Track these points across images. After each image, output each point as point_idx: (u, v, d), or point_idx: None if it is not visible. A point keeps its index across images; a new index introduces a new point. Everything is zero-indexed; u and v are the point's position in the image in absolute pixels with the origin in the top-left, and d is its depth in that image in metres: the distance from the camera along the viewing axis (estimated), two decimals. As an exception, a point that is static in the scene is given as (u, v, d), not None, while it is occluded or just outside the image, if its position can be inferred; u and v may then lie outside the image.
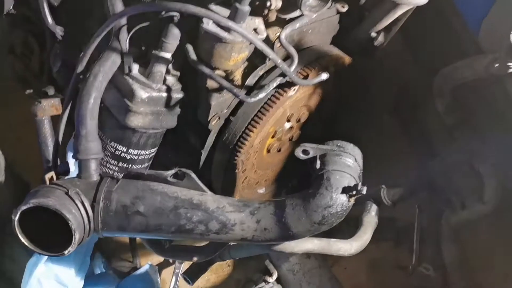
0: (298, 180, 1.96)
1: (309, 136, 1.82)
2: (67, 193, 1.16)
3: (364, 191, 1.16)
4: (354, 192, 1.17)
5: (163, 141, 1.51)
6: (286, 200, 1.22)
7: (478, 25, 1.37)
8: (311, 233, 1.21)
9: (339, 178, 1.19)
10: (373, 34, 1.54)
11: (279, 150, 1.73)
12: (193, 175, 1.23)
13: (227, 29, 1.22)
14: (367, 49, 1.65)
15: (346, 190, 1.18)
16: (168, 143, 1.59)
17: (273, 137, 1.64)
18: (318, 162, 1.23)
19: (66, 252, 1.15)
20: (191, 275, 1.66)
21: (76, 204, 1.16)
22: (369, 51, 1.66)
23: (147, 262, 1.82)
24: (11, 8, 1.42)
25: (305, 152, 1.26)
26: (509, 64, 1.19)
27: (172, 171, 1.23)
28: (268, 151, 1.68)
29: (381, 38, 1.53)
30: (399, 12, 1.41)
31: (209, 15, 1.12)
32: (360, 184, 1.18)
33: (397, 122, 2.16)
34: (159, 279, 1.75)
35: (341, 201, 1.18)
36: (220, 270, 1.95)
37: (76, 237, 1.14)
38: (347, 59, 1.61)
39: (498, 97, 1.38)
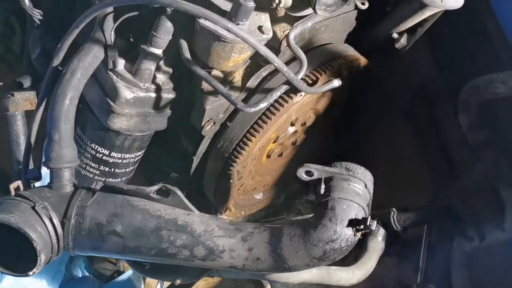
0: (299, 184, 1.82)
1: (315, 138, 1.68)
2: (33, 208, 1.02)
3: (374, 226, 1.01)
4: (362, 226, 1.01)
5: (153, 140, 1.36)
6: (284, 228, 1.07)
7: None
8: (309, 267, 1.07)
9: (346, 208, 1.04)
10: (395, 35, 1.35)
11: (280, 155, 1.58)
12: (179, 193, 1.09)
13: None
14: (386, 49, 1.47)
15: (352, 223, 1.02)
16: (158, 143, 1.43)
17: (274, 142, 1.48)
18: (323, 187, 1.08)
19: (30, 273, 1.02)
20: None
21: (43, 221, 1.02)
22: (388, 52, 1.48)
23: (132, 265, 1.69)
24: (-15, -17, 1.26)
25: (308, 173, 1.10)
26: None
27: (156, 187, 1.08)
28: (268, 156, 1.53)
29: (403, 40, 1.35)
30: (427, 13, 1.23)
31: (204, 14, 0.95)
32: (369, 217, 1.03)
33: (412, 125, 1.98)
34: (142, 286, 1.63)
35: (346, 236, 1.03)
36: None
37: (42, 258, 1.01)
38: (362, 61, 1.44)
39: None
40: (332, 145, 1.83)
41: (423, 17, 1.24)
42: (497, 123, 1.32)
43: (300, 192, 1.90)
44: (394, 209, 1.38)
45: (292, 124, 1.47)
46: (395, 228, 1.36)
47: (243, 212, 1.68)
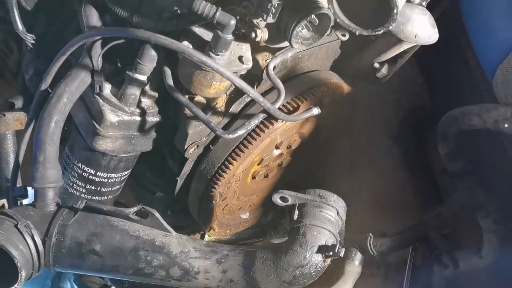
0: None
1: (301, 160, 1.71)
2: (16, 226, 1.06)
3: (342, 253, 1.04)
4: (331, 253, 1.05)
5: (140, 159, 1.40)
6: (257, 251, 1.11)
7: (493, 70, 1.22)
8: (281, 291, 1.09)
9: (316, 235, 1.07)
10: (376, 65, 1.39)
11: (266, 176, 1.61)
12: (157, 215, 1.12)
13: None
14: (369, 77, 1.51)
15: (322, 250, 1.06)
16: (145, 163, 1.48)
17: (259, 164, 1.51)
18: (296, 213, 1.11)
19: (11, 288, 1.06)
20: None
21: (25, 239, 1.06)
22: (372, 80, 1.52)
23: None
24: (-17, 8, 1.31)
25: (283, 199, 1.14)
26: (520, 127, 1.05)
27: (135, 208, 1.12)
28: (253, 177, 1.56)
29: (384, 70, 1.39)
30: (404, 46, 1.26)
31: (181, 48, 1.00)
32: (338, 244, 1.06)
33: (400, 149, 2.01)
34: (129, 300, 1.66)
35: (315, 262, 1.06)
36: None
37: (22, 275, 1.05)
38: (345, 88, 1.47)
39: (509, 150, 1.24)
40: (319, 167, 1.87)
41: (402, 49, 1.28)
42: (473, 154, 1.35)
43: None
44: (371, 234, 1.40)
45: (277, 147, 1.50)
46: (372, 253, 1.38)
47: (228, 231, 1.71)
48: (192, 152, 1.33)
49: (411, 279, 1.66)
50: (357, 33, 0.93)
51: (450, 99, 1.69)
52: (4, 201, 1.10)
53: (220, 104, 1.30)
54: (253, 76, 1.28)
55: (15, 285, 1.06)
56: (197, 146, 1.33)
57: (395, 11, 0.85)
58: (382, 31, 0.90)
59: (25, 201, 1.21)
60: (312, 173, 1.84)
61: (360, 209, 1.67)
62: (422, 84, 2.10)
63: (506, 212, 1.35)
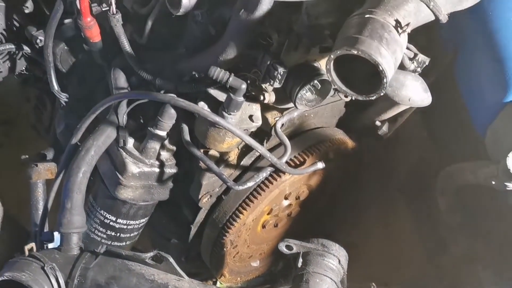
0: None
1: (310, 212, 1.79)
2: (43, 268, 1.16)
3: (342, 300, 1.11)
4: (332, 300, 1.11)
5: (157, 207, 1.50)
6: (263, 297, 1.18)
7: (484, 129, 1.32)
8: (285, 336, 1.16)
9: (319, 282, 1.15)
10: (378, 123, 1.50)
11: (276, 226, 1.69)
12: (171, 260, 1.21)
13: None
14: (373, 134, 1.61)
15: (324, 297, 1.13)
16: (162, 211, 1.58)
17: (268, 214, 1.60)
18: (300, 261, 1.19)
19: (35, 328, 1.14)
20: None
21: (50, 280, 1.15)
22: (375, 136, 1.62)
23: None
24: (23, 68, 1.47)
25: (288, 247, 1.22)
26: (506, 184, 1.13)
27: (151, 254, 1.21)
28: (264, 226, 1.64)
29: (385, 128, 1.49)
30: (402, 107, 1.37)
31: (198, 110, 1.12)
32: (339, 291, 1.13)
33: (405, 203, 2.08)
34: None
35: (317, 308, 1.13)
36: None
37: (46, 314, 1.13)
38: (350, 143, 1.58)
39: (503, 205, 1.31)
40: (328, 218, 1.94)
41: (400, 110, 1.39)
42: (470, 207, 1.42)
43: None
44: (374, 284, 1.45)
45: (286, 198, 1.60)
46: (375, 303, 1.43)
47: (239, 278, 1.77)
48: (205, 202, 1.43)
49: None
50: (353, 98, 1.04)
51: (454, 153, 1.76)
52: (33, 244, 1.20)
53: (232, 157, 1.41)
54: (263, 132, 1.40)
55: (39, 324, 1.14)
56: (210, 196, 1.43)
57: (384, 80, 0.96)
58: (374, 97, 1.01)
59: (51, 245, 1.31)
60: (321, 223, 1.91)
61: (365, 258, 1.72)
62: (427, 138, 2.19)
63: (506, 264, 1.39)
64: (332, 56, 0.98)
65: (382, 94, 1.00)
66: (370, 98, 1.02)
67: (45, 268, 1.15)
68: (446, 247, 1.49)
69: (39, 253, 1.20)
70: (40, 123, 1.77)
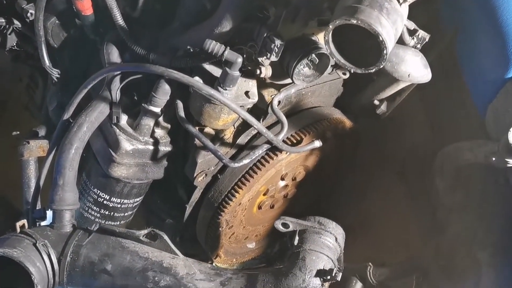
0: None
1: (306, 193, 1.78)
2: (34, 244, 1.14)
3: (339, 277, 1.09)
4: (328, 277, 1.10)
5: (152, 187, 1.48)
6: (259, 275, 1.16)
7: (484, 108, 1.30)
8: (280, 313, 1.14)
9: (315, 259, 1.13)
10: (376, 102, 1.48)
11: (272, 207, 1.68)
12: (166, 237, 1.19)
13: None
14: (371, 113, 1.59)
15: (320, 274, 1.11)
16: (156, 191, 1.56)
17: (265, 194, 1.58)
18: (297, 238, 1.18)
19: (27, 304, 1.12)
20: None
21: (42, 257, 1.13)
22: (374, 116, 1.60)
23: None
24: (13, 44, 1.44)
25: (284, 225, 1.20)
26: (507, 160, 1.11)
27: (145, 231, 1.19)
28: (260, 207, 1.63)
29: (383, 107, 1.47)
30: (402, 85, 1.35)
31: (192, 83, 1.10)
32: (336, 268, 1.11)
33: (404, 186, 2.07)
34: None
35: (314, 285, 1.11)
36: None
37: (38, 291, 1.11)
38: (347, 123, 1.56)
39: (503, 186, 1.29)
40: (324, 200, 1.93)
41: (399, 87, 1.37)
42: (469, 188, 1.41)
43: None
44: (370, 263, 1.45)
45: (283, 179, 1.58)
46: (371, 282, 1.42)
47: (234, 260, 1.76)
48: (200, 181, 1.40)
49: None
50: (352, 71, 1.02)
51: (452, 135, 1.75)
52: (24, 221, 1.18)
53: (228, 135, 1.38)
54: (259, 110, 1.37)
55: (31, 301, 1.12)
56: (206, 175, 1.40)
57: (384, 51, 0.94)
58: (374, 69, 0.98)
59: (43, 223, 1.29)
60: (317, 205, 1.90)
61: (362, 240, 1.71)
62: (424, 122, 2.17)
63: (504, 245, 1.38)
64: (330, 26, 0.96)
65: (381, 66, 0.97)
66: (370, 71, 1.00)
67: (37, 244, 1.13)
68: (443, 229, 1.47)
69: (31, 230, 1.18)
70: (33, 102, 1.74)
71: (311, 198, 1.85)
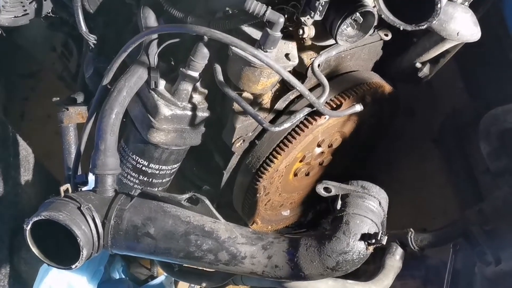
0: (327, 203, 1.89)
1: (341, 161, 1.75)
2: (79, 208, 1.15)
3: (385, 241, 1.08)
4: (373, 241, 1.08)
5: (188, 154, 1.48)
6: (302, 239, 1.15)
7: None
8: (324, 277, 1.14)
9: (359, 223, 1.11)
10: (418, 65, 1.43)
11: (307, 174, 1.66)
12: (207, 202, 1.19)
13: (257, 53, 1.16)
14: (411, 78, 1.55)
15: (365, 238, 1.09)
16: (193, 158, 1.56)
17: (301, 161, 1.57)
18: (339, 203, 1.16)
19: (73, 266, 1.14)
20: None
21: (87, 220, 1.14)
22: (414, 80, 1.56)
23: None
24: (49, 11, 1.43)
25: (326, 189, 1.18)
26: None
27: (187, 195, 1.19)
28: (295, 175, 1.62)
29: (426, 70, 1.42)
30: (447, 45, 1.30)
31: (234, 42, 1.07)
32: (381, 232, 1.10)
33: (441, 151, 2.02)
34: (173, 291, 1.74)
35: (358, 249, 1.10)
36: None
37: (84, 253, 1.13)
38: (387, 88, 1.51)
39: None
40: (359, 168, 1.90)
41: (444, 48, 1.32)
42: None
43: (328, 211, 1.98)
44: (411, 229, 1.42)
45: (319, 145, 1.55)
46: (412, 248, 1.40)
47: (270, 227, 1.76)
48: (238, 146, 1.39)
49: (451, 281, 1.67)
50: (401, 28, 0.98)
51: (493, 100, 1.69)
52: (68, 185, 1.19)
53: (266, 100, 1.36)
54: (298, 74, 1.34)
55: (76, 263, 1.14)
56: (243, 140, 1.39)
57: (438, 5, 0.89)
58: (425, 25, 0.94)
59: (84, 188, 1.30)
60: (352, 173, 1.88)
61: (398, 208, 1.69)
62: (463, 89, 2.11)
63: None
64: (380, -20, 0.91)
65: (434, 22, 0.93)
66: (420, 28, 0.96)
67: (81, 208, 1.14)
68: (486, 194, 1.44)
69: (75, 194, 1.19)
70: (67, 71, 1.74)
71: (346, 166, 1.83)
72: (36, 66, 2.34)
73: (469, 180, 1.84)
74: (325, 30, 1.16)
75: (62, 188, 1.18)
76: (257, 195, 1.47)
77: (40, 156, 1.81)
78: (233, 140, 1.37)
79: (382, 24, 1.30)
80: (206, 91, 1.34)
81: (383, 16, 0.96)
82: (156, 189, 1.48)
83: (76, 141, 1.42)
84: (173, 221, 1.18)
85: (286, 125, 1.25)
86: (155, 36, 1.26)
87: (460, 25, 1.14)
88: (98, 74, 1.46)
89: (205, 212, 1.20)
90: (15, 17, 1.38)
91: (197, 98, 1.33)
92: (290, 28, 1.17)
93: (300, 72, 1.34)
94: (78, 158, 1.31)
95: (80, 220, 1.14)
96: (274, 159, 1.39)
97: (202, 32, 1.08)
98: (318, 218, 1.99)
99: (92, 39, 1.37)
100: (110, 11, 1.43)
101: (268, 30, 1.12)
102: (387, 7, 0.96)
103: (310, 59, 1.32)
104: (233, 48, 1.16)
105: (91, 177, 1.30)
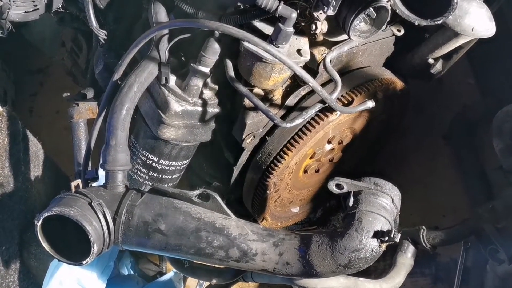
0: (337, 201, 1.88)
1: (352, 157, 1.74)
2: (90, 204, 1.14)
3: (398, 238, 1.07)
4: (386, 238, 1.07)
5: (197, 151, 1.47)
6: (313, 236, 1.15)
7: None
8: (335, 274, 1.13)
9: (372, 221, 1.10)
10: (431, 61, 1.41)
11: (317, 171, 1.65)
12: (218, 198, 1.18)
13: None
14: (423, 74, 1.53)
15: (377, 235, 1.08)
16: (202, 154, 1.55)
17: (311, 158, 1.56)
18: (352, 200, 1.15)
19: (84, 262, 1.14)
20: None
21: (98, 216, 1.14)
22: (425, 77, 1.54)
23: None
24: (59, 6, 1.42)
25: (338, 186, 1.17)
26: None
27: (197, 192, 1.19)
28: (305, 171, 1.61)
29: (439, 66, 1.40)
30: (461, 41, 1.28)
31: (247, 37, 1.06)
32: (394, 229, 1.09)
33: (451, 149, 2.01)
34: (182, 287, 1.73)
35: (371, 246, 1.09)
36: (245, 285, 1.91)
37: (95, 249, 1.12)
38: (399, 84, 1.50)
39: None
40: (369, 164, 1.89)
41: (457, 44, 1.30)
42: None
43: (337, 208, 1.97)
44: (424, 227, 1.41)
45: (329, 142, 1.54)
46: (424, 245, 1.39)
47: (279, 224, 1.75)
48: (249, 143, 1.38)
49: (461, 280, 1.65)
50: (416, 23, 0.96)
51: (505, 97, 1.67)
52: (79, 181, 1.18)
53: (277, 96, 1.35)
54: (309, 70, 1.33)
55: (87, 259, 1.13)
56: (254, 136, 1.38)
57: (455, 0, 0.88)
58: (441, 20, 0.93)
59: (94, 184, 1.30)
60: (362, 170, 1.87)
61: (408, 205, 1.68)
62: (474, 86, 2.09)
63: None
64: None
65: (450, 16, 0.91)
66: (436, 23, 0.94)
67: (92, 204, 1.14)
68: (499, 191, 1.42)
69: (85, 190, 1.18)
70: (77, 67, 1.74)
71: (356, 163, 1.82)
72: (46, 61, 2.34)
73: (479, 177, 1.82)
74: (338, 25, 1.14)
75: (73, 184, 1.18)
76: (267, 191, 1.47)
77: (49, 152, 1.81)
78: (243, 136, 1.36)
79: (395, 19, 1.28)
80: (216, 86, 1.33)
81: (397, 11, 0.94)
82: (166, 185, 1.47)
83: (86, 136, 1.42)
84: (184, 217, 1.18)
85: (298, 121, 1.24)
86: (166, 31, 1.25)
87: (475, 20, 1.12)
88: (108, 69, 1.45)
89: (216, 208, 1.20)
90: (25, 12, 1.38)
91: (207, 93, 1.32)
92: (303, 24, 1.16)
93: (311, 68, 1.33)
94: (89, 154, 1.31)
95: (91, 216, 1.13)
96: (285, 156, 1.38)
97: (214, 27, 1.07)
98: (327, 215, 1.98)
99: (102, 34, 1.37)
100: (120, 6, 1.43)
101: (281, 25, 1.10)
102: (402, 1, 0.94)
103: (322, 54, 1.31)
104: (245, 43, 1.15)
105: (101, 173, 1.29)
